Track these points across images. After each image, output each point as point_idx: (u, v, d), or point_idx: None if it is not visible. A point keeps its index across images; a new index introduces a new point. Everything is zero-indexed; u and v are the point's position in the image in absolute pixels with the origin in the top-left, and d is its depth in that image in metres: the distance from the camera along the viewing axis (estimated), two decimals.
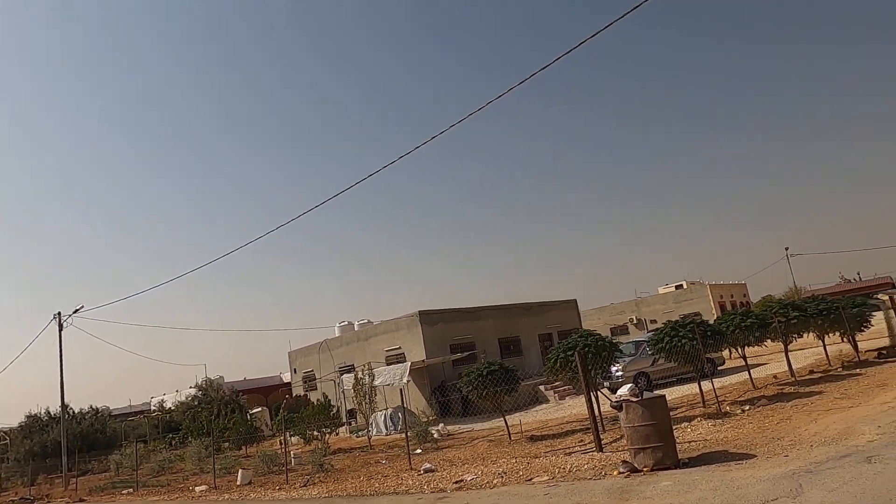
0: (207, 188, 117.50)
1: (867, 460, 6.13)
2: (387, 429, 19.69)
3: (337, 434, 20.40)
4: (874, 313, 17.87)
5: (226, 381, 37.60)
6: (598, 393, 12.05)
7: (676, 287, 59.35)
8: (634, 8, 8.80)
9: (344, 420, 21.99)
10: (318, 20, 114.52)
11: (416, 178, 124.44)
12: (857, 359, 15.67)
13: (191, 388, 35.56)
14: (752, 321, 13.56)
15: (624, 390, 8.12)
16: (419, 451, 13.83)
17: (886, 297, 22.42)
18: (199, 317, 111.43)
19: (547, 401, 20.60)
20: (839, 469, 5.99)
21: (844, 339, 16.28)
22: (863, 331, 16.71)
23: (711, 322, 14.97)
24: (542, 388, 21.07)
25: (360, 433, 19.55)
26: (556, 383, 19.37)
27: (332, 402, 19.33)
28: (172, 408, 34.53)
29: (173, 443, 25.62)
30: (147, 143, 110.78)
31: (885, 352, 16.36)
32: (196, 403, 30.34)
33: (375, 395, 18.40)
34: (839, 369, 14.60)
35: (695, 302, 53.27)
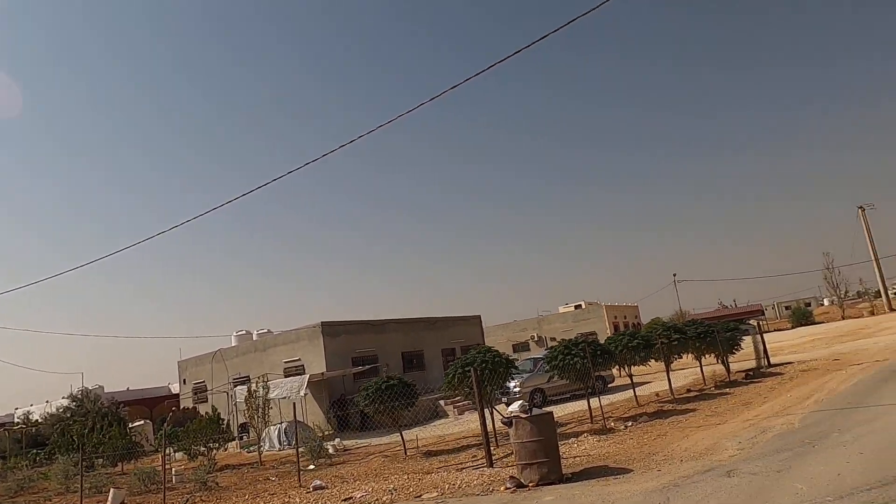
0: (81, 187, 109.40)
1: (727, 474, 6.65)
2: (280, 444, 18.95)
3: (226, 450, 19.35)
4: (745, 337, 19.64)
5: (106, 391, 34.78)
6: (495, 408, 12.30)
7: (576, 307, 62.09)
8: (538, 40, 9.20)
9: (235, 435, 20.91)
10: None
11: (325, 184, 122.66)
12: (727, 379, 17.07)
13: (64, 398, 32.54)
14: (639, 342, 14.44)
15: (515, 407, 8.32)
16: (312, 466, 13.41)
17: (755, 323, 24.74)
18: (68, 322, 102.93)
19: (446, 415, 20.72)
20: (702, 483, 6.45)
21: (718, 361, 17.73)
22: (734, 353, 18.31)
23: (603, 342, 15.81)
24: (442, 402, 21.18)
25: (251, 449, 18.67)
26: (456, 398, 19.55)
27: (222, 416, 18.33)
28: (40, 420, 31.37)
29: (38, 459, 23.21)
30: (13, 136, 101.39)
31: (751, 373, 17.96)
32: (68, 415, 27.72)
33: (270, 408, 17.67)
34: (712, 388, 15.83)
35: (592, 322, 55.88)
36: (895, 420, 8.12)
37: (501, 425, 11.32)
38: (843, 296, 59.46)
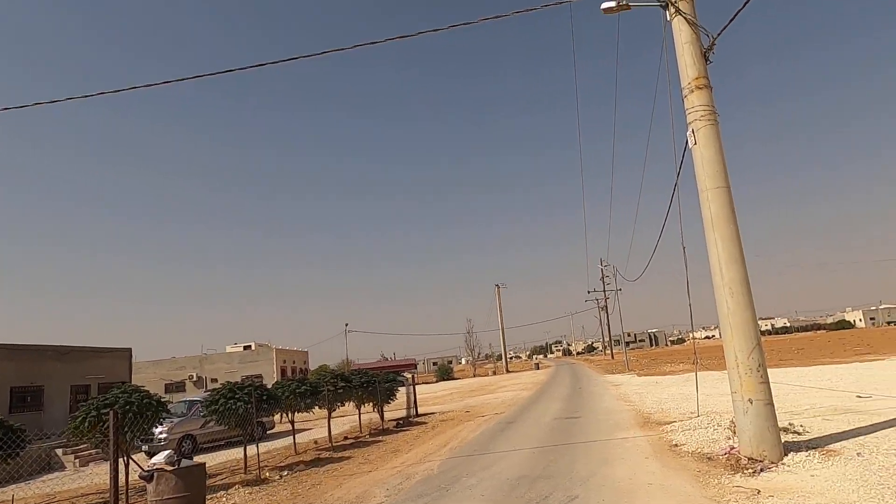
0: None
1: None
2: None
3: None
4: (400, 388, 21.47)
5: None
6: (132, 459, 10.50)
7: (245, 347, 59.29)
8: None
9: None
10: None
11: None
12: (382, 427, 18.24)
13: None
14: (307, 388, 14.37)
15: (159, 458, 7.23)
16: None
17: (409, 376, 27.42)
18: None
19: (63, 468, 16.96)
20: None
21: (375, 409, 18.89)
22: (390, 402, 19.82)
23: (270, 386, 15.26)
24: (59, 451, 17.31)
25: None
26: (81, 446, 16.23)
27: None
28: None
29: None
30: None
31: (401, 421, 19.59)
32: None
33: None
34: (367, 436, 16.66)
35: (260, 364, 53.97)
36: (508, 464, 9.70)
37: (135, 479, 9.72)
38: (476, 357, 70.60)
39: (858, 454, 7.35)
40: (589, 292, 77.52)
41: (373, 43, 9.88)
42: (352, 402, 17.73)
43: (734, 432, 8.58)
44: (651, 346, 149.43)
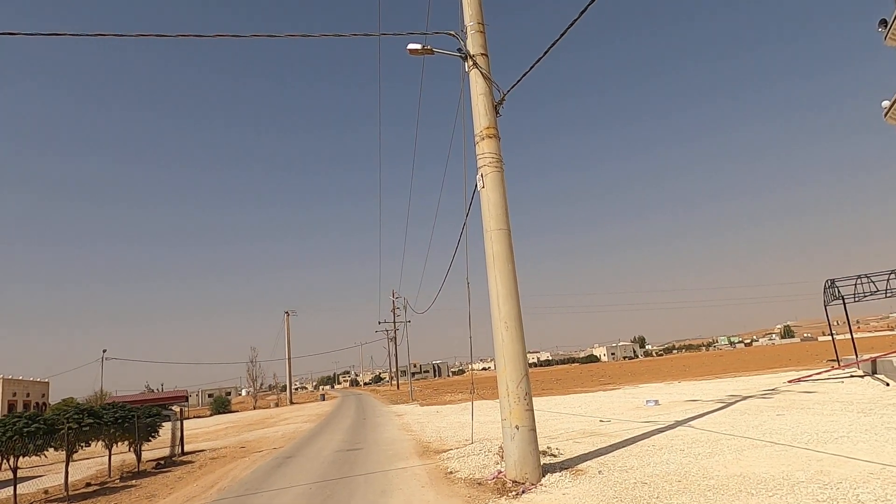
0: None
1: None
2: None
3: None
4: (166, 423, 19.09)
5: None
6: None
7: None
8: None
9: None
10: None
11: None
12: (137, 469, 15.92)
13: None
14: (39, 426, 11.92)
15: None
16: None
17: (178, 409, 24.59)
18: None
19: None
20: None
21: (131, 449, 16.45)
22: (150, 440, 17.46)
23: None
24: None
25: None
26: None
27: None
28: None
29: None
30: None
31: (163, 461, 17.35)
32: None
33: None
34: (117, 480, 14.37)
35: None
36: (282, 503, 9.11)
37: None
38: (258, 388, 66.51)
39: (600, 472, 8.40)
40: (380, 323, 78.80)
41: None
42: (101, 442, 15.23)
43: (502, 457, 9.21)
44: (434, 376, 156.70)
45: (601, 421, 15.34)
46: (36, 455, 12.60)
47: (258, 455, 16.64)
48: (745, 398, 17.51)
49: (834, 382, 19.85)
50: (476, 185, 9.74)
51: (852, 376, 21.54)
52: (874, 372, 20.95)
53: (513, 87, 9.49)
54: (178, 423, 20.37)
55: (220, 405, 59.21)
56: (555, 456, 10.07)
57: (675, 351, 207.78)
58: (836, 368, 25.55)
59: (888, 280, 24.62)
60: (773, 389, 19.49)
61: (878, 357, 21.23)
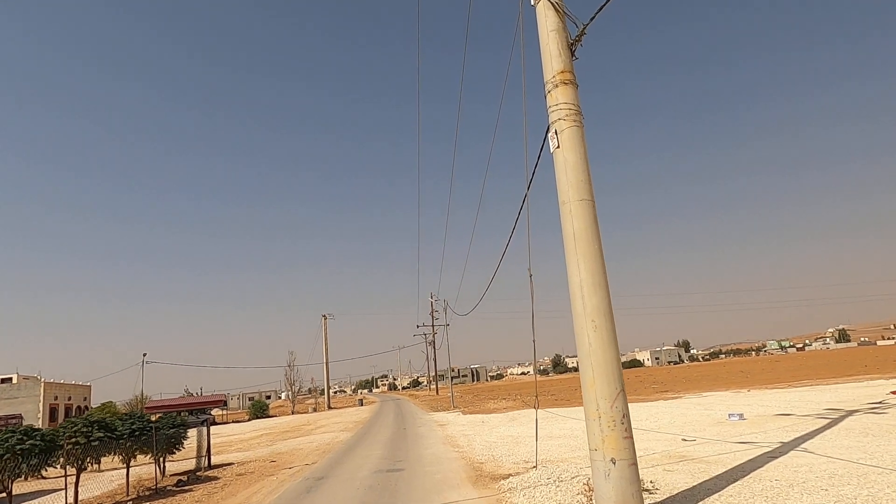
0: None
1: None
2: None
3: None
4: (196, 430, 17.70)
5: None
6: None
7: (3, 380, 48.50)
8: None
9: None
10: None
11: None
12: (155, 486, 14.37)
13: None
14: (34, 443, 10.39)
15: None
16: None
17: (213, 413, 23.21)
18: None
19: None
20: None
21: (155, 460, 14.97)
22: (175, 452, 16.00)
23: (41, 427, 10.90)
24: None
25: None
26: None
27: None
28: None
29: None
30: None
31: (185, 478, 15.76)
32: None
33: None
34: (130, 501, 12.81)
35: (21, 401, 44.18)
36: None
37: None
38: (296, 391, 65.61)
39: None
40: (418, 326, 77.21)
41: None
42: (118, 456, 13.75)
43: (589, 498, 7.10)
44: (472, 381, 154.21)
45: (684, 440, 12.97)
46: (36, 476, 11.12)
47: (288, 472, 14.87)
48: (850, 412, 14.86)
49: None
50: (544, 147, 7.69)
51: None
52: None
53: (593, 18, 7.37)
54: (206, 431, 18.86)
55: (259, 409, 58.39)
56: (650, 492, 7.89)
57: (721, 356, 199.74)
58: None
59: None
60: (880, 402, 16.68)
61: None
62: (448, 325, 53.22)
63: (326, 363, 65.65)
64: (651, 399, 28.67)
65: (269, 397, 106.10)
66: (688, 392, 31.94)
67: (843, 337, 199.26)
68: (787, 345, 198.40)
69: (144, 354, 61.75)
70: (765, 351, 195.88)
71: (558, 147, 7.25)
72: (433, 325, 75.01)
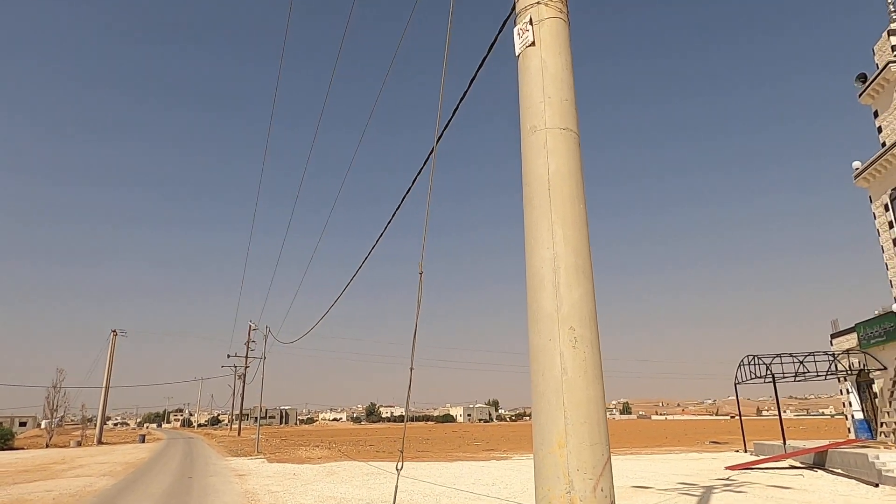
0: None
1: None
2: None
3: None
4: None
5: None
6: None
7: None
8: None
9: None
10: None
11: None
12: None
13: None
14: None
15: None
16: None
17: None
18: None
19: None
20: None
21: None
22: None
23: None
24: None
25: None
26: None
27: None
28: None
29: None
30: None
31: None
32: None
33: None
34: None
35: None
36: None
37: None
38: (58, 419, 53.61)
39: None
40: (229, 356, 69.01)
41: None
42: None
43: None
44: (281, 423, 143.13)
45: None
46: None
47: None
48: (709, 488, 13.71)
49: (792, 475, 16.80)
50: (494, 49, 4.90)
51: (793, 467, 18.89)
52: (820, 464, 18.42)
53: None
54: None
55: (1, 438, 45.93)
56: None
57: (526, 417, 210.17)
58: (744, 452, 23.27)
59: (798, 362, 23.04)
60: (728, 479, 15.98)
61: (833, 446, 18.68)
62: (265, 357, 47.28)
63: (106, 388, 54.81)
64: (478, 458, 26.51)
65: (24, 423, 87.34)
66: (512, 452, 30.48)
67: (626, 409, 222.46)
68: None
69: None
70: None
71: (532, 44, 4.46)
72: (247, 357, 67.43)
